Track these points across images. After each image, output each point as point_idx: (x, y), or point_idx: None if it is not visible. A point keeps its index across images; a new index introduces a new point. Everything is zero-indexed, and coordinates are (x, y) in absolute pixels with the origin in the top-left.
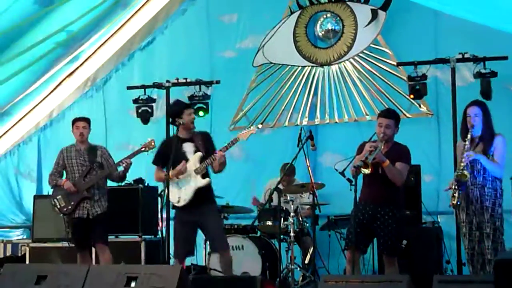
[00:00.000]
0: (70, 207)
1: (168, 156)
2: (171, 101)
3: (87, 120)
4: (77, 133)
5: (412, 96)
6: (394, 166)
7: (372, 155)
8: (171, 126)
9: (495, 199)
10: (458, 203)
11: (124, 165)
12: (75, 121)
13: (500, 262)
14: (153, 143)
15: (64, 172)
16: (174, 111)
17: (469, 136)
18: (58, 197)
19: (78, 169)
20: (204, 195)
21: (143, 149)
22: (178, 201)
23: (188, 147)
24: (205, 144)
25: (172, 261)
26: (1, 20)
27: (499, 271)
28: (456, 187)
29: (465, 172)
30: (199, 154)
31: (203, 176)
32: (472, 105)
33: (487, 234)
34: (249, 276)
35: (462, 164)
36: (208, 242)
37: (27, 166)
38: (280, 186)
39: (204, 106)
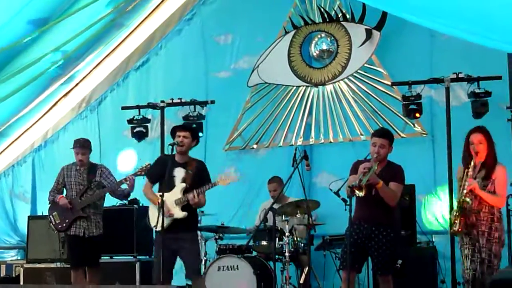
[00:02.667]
0: (64, 224)
1: (159, 174)
2: (165, 122)
3: (86, 147)
4: (77, 159)
5: (416, 115)
6: (388, 187)
7: (366, 176)
8: (166, 146)
9: (491, 223)
10: (460, 230)
11: (128, 182)
12: (74, 146)
13: (495, 282)
14: (149, 166)
15: (64, 190)
16: (171, 130)
17: (472, 163)
18: (54, 214)
19: (76, 188)
20: (182, 225)
21: (138, 173)
22: (156, 226)
23: (178, 173)
24: (197, 173)
25: None
26: None
27: None
28: (457, 214)
29: (467, 199)
30: (183, 185)
31: (183, 208)
32: (476, 132)
33: (482, 259)
34: None
35: (465, 190)
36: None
37: (21, 187)
38: (275, 205)
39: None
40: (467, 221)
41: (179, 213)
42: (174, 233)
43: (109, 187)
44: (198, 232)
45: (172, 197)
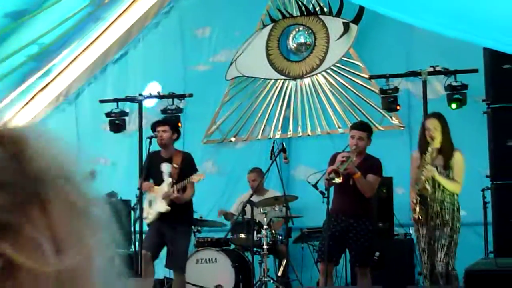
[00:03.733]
0: None
1: (148, 171)
2: (144, 115)
3: None
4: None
5: (397, 108)
6: (365, 178)
7: (344, 165)
8: (146, 140)
9: (453, 214)
10: (420, 217)
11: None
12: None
13: (470, 273)
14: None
15: None
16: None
17: (430, 149)
18: None
19: None
20: (170, 218)
21: None
22: (146, 218)
23: (165, 167)
24: (183, 166)
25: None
26: None
27: (470, 282)
28: (417, 201)
29: (427, 186)
30: (169, 180)
31: (169, 203)
32: (432, 118)
33: (441, 245)
34: None
35: (423, 178)
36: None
37: None
38: (254, 197)
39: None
40: (431, 211)
41: (163, 207)
42: (166, 222)
43: None
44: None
45: (160, 191)
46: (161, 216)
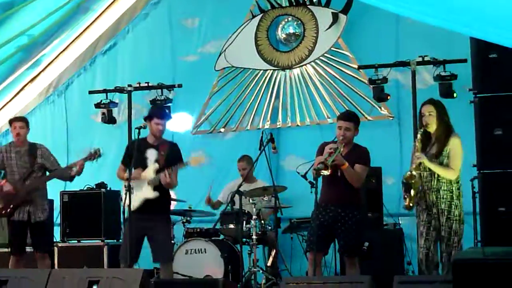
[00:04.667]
0: (8, 209)
1: (131, 157)
2: (133, 105)
3: (24, 120)
4: (14, 133)
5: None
6: (353, 169)
7: (332, 156)
8: (133, 130)
9: (451, 201)
10: (411, 204)
11: (77, 168)
12: (11, 121)
13: (459, 262)
14: (98, 152)
15: (3, 172)
16: (148, 113)
17: (418, 135)
18: None
19: (19, 171)
20: (154, 205)
21: (88, 158)
22: (128, 205)
23: (151, 154)
24: (169, 155)
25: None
26: None
27: (458, 271)
28: (405, 188)
29: (414, 173)
30: (156, 166)
31: (155, 188)
32: (427, 104)
33: (442, 238)
34: (211, 279)
35: (413, 165)
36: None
37: None
38: (243, 185)
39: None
40: (429, 200)
41: (150, 193)
42: (146, 213)
43: (57, 172)
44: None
45: (145, 176)
46: (143, 204)
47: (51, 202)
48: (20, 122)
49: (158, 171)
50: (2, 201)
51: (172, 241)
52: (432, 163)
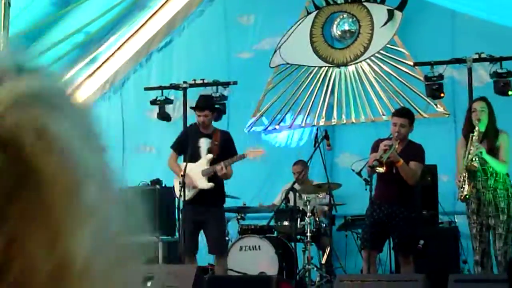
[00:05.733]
0: None
1: (185, 145)
2: (188, 102)
3: None
4: None
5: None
6: (408, 165)
7: (387, 153)
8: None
9: (509, 199)
10: (467, 196)
11: None
12: None
13: None
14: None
15: None
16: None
17: (477, 128)
18: None
19: None
20: (208, 197)
21: None
22: (180, 196)
23: (203, 143)
24: (223, 144)
25: None
26: (18, 21)
27: None
28: (465, 179)
29: (475, 163)
30: (210, 156)
31: (210, 179)
32: (478, 100)
33: (499, 235)
34: (266, 276)
35: (470, 155)
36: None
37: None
38: (296, 186)
39: None
40: (483, 198)
41: (205, 184)
42: (200, 205)
43: None
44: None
45: (198, 168)
46: (197, 196)
47: None
48: None
49: (212, 162)
50: None
51: (227, 237)
52: (489, 156)
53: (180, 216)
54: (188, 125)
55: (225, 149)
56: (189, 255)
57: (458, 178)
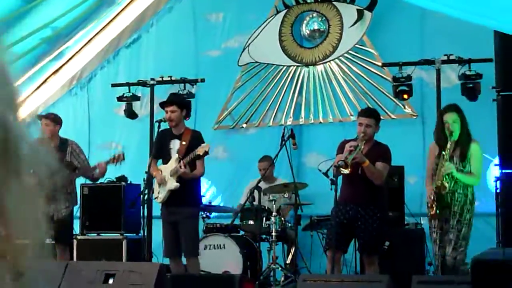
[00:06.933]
0: None
1: (159, 148)
2: (155, 99)
3: (50, 118)
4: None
5: (404, 97)
6: (374, 166)
7: (352, 154)
8: (155, 124)
9: (464, 205)
10: (437, 213)
11: (99, 169)
12: (40, 118)
13: (477, 263)
14: (122, 156)
15: None
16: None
17: (448, 144)
18: None
19: None
20: (179, 197)
21: (110, 161)
22: (156, 197)
23: (174, 145)
24: (191, 145)
25: (154, 259)
26: None
27: (476, 271)
28: (434, 199)
29: (445, 183)
30: (176, 156)
31: (177, 179)
32: (450, 112)
33: (449, 240)
34: (228, 275)
35: (441, 174)
36: None
37: None
38: (261, 184)
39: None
40: (442, 201)
41: (172, 185)
42: (172, 206)
43: (79, 171)
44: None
45: (168, 169)
46: (169, 197)
47: None
48: (45, 119)
49: (179, 161)
50: None
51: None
52: (459, 173)
53: (151, 216)
54: (153, 130)
55: (193, 149)
56: (172, 257)
57: (429, 195)
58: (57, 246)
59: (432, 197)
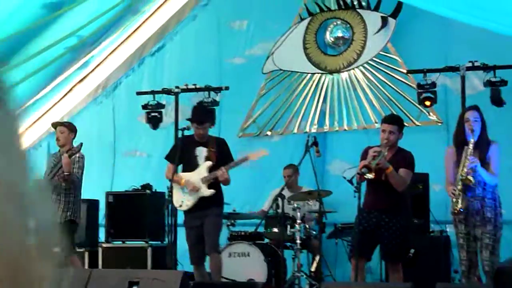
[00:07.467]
0: None
1: (180, 155)
2: (179, 107)
3: (66, 125)
4: (55, 138)
5: (426, 104)
6: (397, 173)
7: (376, 160)
8: (179, 132)
9: (496, 209)
10: (461, 210)
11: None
12: (55, 125)
13: (500, 270)
14: (79, 147)
15: None
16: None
17: (472, 140)
18: None
19: (49, 171)
20: (207, 202)
21: (70, 152)
22: (181, 205)
23: (200, 152)
24: (219, 151)
25: (179, 267)
26: (8, 24)
27: (499, 279)
28: (460, 192)
29: (470, 177)
30: (209, 163)
31: (210, 186)
32: (472, 110)
33: (486, 245)
34: (250, 282)
35: (465, 169)
36: None
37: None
38: (285, 192)
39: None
40: (471, 208)
41: (206, 191)
42: (200, 210)
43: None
44: None
45: (197, 175)
46: (197, 203)
47: (95, 202)
48: (61, 127)
49: (212, 169)
50: None
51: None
52: (482, 169)
53: (177, 224)
54: (180, 136)
55: (221, 156)
56: (198, 265)
57: (452, 190)
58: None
59: (456, 192)
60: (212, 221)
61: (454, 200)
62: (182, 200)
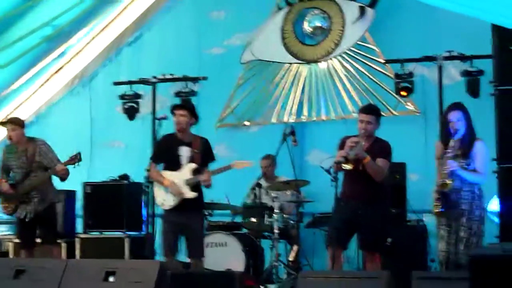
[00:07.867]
0: (9, 209)
1: (163, 154)
2: (157, 97)
3: (15, 122)
4: (7, 136)
5: (402, 94)
6: (374, 162)
7: (353, 150)
8: (156, 122)
9: (472, 201)
10: (442, 210)
11: (60, 172)
12: (4, 124)
13: (474, 259)
14: (79, 156)
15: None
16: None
17: (452, 143)
18: (1, 197)
19: (19, 171)
20: (191, 204)
21: (69, 162)
22: (162, 204)
23: (184, 152)
24: (203, 152)
25: (157, 257)
26: None
27: (473, 267)
28: (438, 197)
29: (447, 181)
30: (193, 165)
31: (192, 188)
32: (454, 110)
33: (461, 238)
34: (228, 272)
35: (444, 172)
36: None
37: None
38: (263, 181)
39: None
40: (448, 201)
41: (189, 193)
42: (182, 212)
43: (51, 171)
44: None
45: (180, 176)
46: (180, 203)
47: (73, 193)
48: (10, 124)
49: (196, 171)
50: (4, 201)
51: None
52: (464, 171)
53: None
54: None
55: (205, 157)
56: (171, 257)
57: (434, 192)
58: (44, 246)
59: (436, 196)
60: (195, 230)
61: (434, 203)
62: (164, 199)
